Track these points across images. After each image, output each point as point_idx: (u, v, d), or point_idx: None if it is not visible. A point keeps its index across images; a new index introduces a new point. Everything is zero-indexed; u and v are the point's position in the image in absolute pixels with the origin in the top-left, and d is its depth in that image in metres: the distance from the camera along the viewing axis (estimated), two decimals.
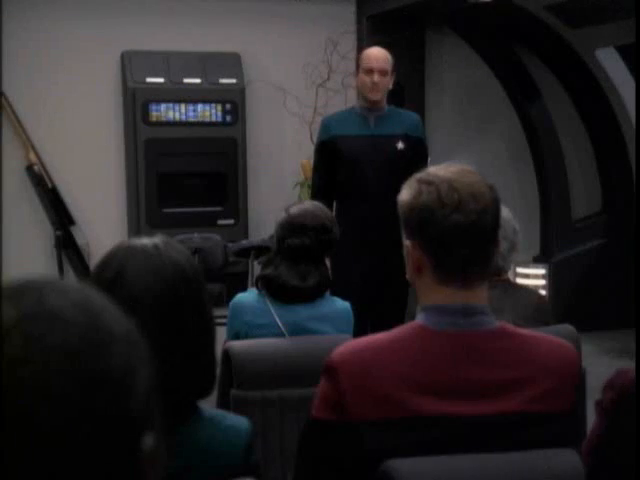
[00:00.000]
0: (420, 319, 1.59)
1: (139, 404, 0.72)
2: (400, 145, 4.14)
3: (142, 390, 0.72)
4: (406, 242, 1.60)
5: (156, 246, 1.39)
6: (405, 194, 1.60)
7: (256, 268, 4.77)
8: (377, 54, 4.23)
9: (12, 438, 0.66)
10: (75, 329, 0.70)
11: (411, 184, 1.60)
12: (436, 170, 1.60)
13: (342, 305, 2.86)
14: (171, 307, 1.36)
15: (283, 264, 2.77)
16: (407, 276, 1.64)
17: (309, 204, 2.98)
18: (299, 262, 2.77)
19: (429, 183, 1.56)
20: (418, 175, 1.61)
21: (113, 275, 1.36)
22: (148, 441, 0.73)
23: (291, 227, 2.78)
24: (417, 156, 4.11)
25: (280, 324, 2.74)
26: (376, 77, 4.13)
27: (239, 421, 1.46)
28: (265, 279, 2.79)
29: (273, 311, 2.75)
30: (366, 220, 4.08)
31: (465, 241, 1.54)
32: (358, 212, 4.12)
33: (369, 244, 4.09)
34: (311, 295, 2.78)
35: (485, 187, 1.57)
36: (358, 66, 4.27)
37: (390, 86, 4.21)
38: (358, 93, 4.38)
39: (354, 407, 1.51)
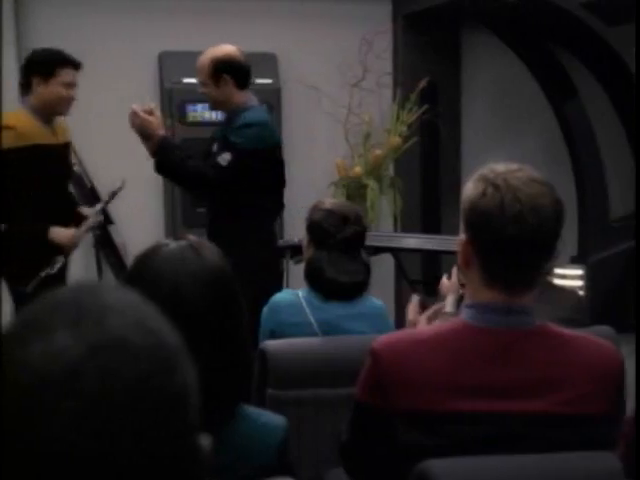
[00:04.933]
0: (463, 316, 1.60)
1: (195, 411, 0.72)
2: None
3: (195, 398, 0.72)
4: (461, 234, 1.60)
5: (194, 248, 1.38)
6: (471, 189, 1.57)
7: (292, 267, 4.77)
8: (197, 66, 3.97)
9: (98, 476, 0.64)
10: (144, 353, 0.68)
11: (479, 180, 1.56)
12: (505, 172, 1.56)
13: (377, 303, 2.86)
14: (220, 314, 1.36)
15: (340, 260, 2.76)
16: (459, 266, 1.66)
17: (335, 200, 3.06)
18: (354, 253, 2.78)
19: (496, 187, 1.53)
20: (486, 172, 1.57)
21: (168, 291, 1.32)
22: (205, 441, 0.73)
23: (338, 220, 2.78)
24: None
25: (314, 323, 2.74)
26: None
27: (275, 419, 1.46)
28: (323, 279, 2.76)
29: (308, 310, 2.75)
30: None
31: (516, 253, 1.53)
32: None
33: None
34: (360, 289, 2.79)
35: (548, 199, 1.54)
36: None
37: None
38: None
39: (390, 395, 1.53)
